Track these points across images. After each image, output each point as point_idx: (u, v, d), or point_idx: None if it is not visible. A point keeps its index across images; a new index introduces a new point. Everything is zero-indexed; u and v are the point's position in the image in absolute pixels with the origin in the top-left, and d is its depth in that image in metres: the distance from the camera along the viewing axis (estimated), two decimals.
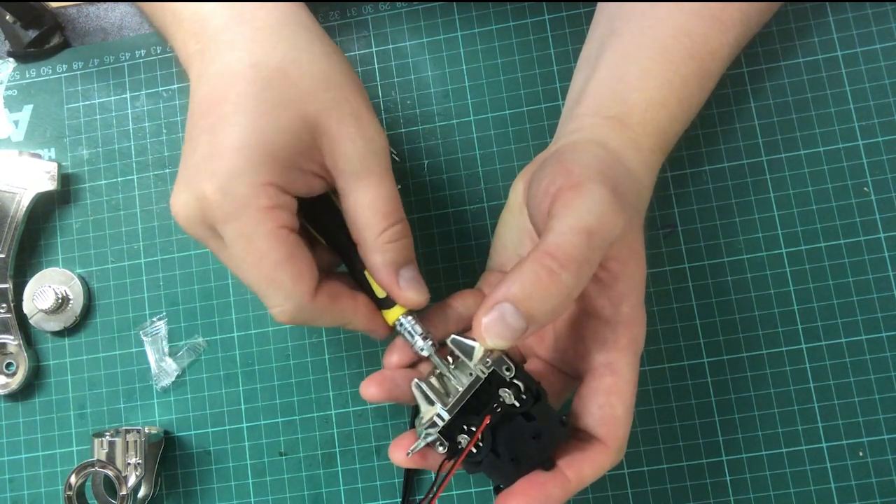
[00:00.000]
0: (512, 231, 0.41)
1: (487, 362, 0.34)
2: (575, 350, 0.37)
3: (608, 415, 0.35)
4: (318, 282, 0.35)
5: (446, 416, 0.34)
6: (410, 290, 0.36)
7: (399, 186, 0.50)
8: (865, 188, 0.47)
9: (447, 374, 0.36)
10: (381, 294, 0.37)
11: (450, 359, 0.37)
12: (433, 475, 0.48)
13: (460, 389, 0.35)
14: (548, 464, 0.34)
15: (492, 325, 0.32)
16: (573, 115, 0.41)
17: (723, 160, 0.49)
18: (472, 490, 0.47)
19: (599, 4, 0.46)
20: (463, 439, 0.34)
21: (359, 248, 0.37)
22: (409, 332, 0.37)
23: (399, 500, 0.47)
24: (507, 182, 0.49)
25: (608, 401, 0.35)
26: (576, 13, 0.51)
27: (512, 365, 0.34)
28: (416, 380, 0.35)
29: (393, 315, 0.37)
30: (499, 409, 0.34)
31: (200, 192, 0.33)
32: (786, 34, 0.49)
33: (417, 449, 0.35)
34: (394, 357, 0.39)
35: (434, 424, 0.34)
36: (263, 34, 0.34)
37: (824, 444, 0.45)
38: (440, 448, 0.34)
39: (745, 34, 0.43)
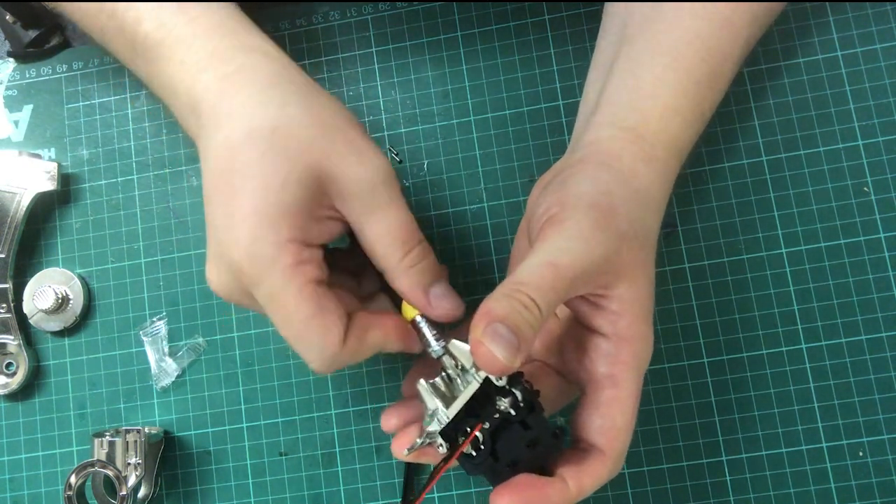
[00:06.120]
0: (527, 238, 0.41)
1: (479, 369, 0.35)
2: (579, 361, 0.37)
3: (608, 425, 0.35)
4: (347, 324, 0.36)
5: (446, 418, 0.35)
6: (441, 308, 0.38)
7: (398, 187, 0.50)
8: (865, 188, 0.47)
9: (454, 376, 0.36)
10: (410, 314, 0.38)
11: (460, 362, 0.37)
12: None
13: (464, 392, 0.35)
14: (543, 473, 0.35)
15: (490, 341, 0.32)
16: (590, 124, 0.41)
17: (723, 160, 0.49)
18: (472, 490, 0.47)
19: (607, 8, 0.46)
20: (462, 440, 0.35)
21: (385, 275, 0.38)
22: (424, 333, 0.38)
23: (399, 500, 0.47)
24: (507, 182, 0.50)
25: (609, 411, 0.35)
26: (576, 13, 0.51)
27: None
28: (421, 380, 0.36)
29: (410, 313, 0.38)
30: (496, 416, 0.34)
31: (229, 261, 0.34)
32: (786, 34, 0.49)
33: (416, 448, 0.36)
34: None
35: (435, 424, 0.35)
36: (255, 100, 0.35)
37: (824, 444, 0.45)
38: (440, 448, 0.35)
39: (754, 36, 0.43)
